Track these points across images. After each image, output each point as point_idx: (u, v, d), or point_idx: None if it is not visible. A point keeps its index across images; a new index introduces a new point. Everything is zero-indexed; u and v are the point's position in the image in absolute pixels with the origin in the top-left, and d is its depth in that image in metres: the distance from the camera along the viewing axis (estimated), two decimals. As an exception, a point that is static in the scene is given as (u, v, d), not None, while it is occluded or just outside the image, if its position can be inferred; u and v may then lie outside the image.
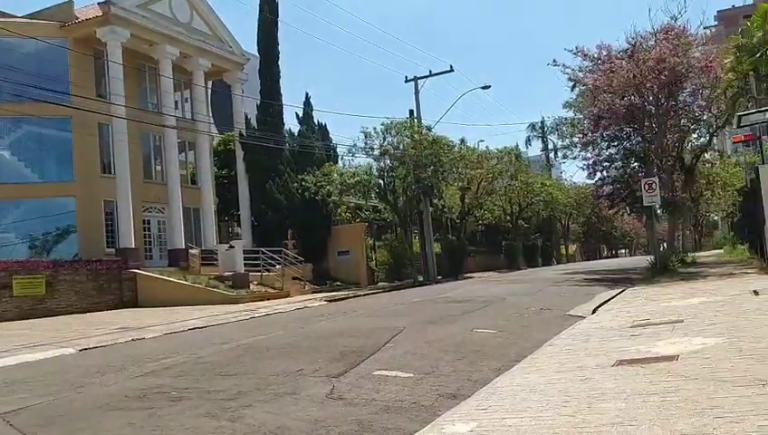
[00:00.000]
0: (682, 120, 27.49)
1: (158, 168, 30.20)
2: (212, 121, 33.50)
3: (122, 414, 5.79)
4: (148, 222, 28.94)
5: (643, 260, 30.37)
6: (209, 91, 33.30)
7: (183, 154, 31.70)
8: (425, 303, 17.14)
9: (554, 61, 27.46)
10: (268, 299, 23.87)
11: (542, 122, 62.99)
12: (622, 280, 21.40)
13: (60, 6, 27.46)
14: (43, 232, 26.01)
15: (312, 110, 35.65)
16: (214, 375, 7.60)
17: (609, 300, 14.11)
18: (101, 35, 26.10)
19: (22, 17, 27.60)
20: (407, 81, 37.75)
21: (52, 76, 23.85)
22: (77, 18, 26.98)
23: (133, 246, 25.70)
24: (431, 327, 11.42)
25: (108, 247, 26.23)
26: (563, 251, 66.96)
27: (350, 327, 12.14)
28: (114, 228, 26.36)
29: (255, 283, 26.20)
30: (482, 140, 66.86)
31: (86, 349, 11.90)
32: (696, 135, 29.70)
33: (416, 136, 32.53)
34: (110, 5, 25.98)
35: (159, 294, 23.49)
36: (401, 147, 32.56)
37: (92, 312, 21.75)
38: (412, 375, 7.13)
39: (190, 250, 27.67)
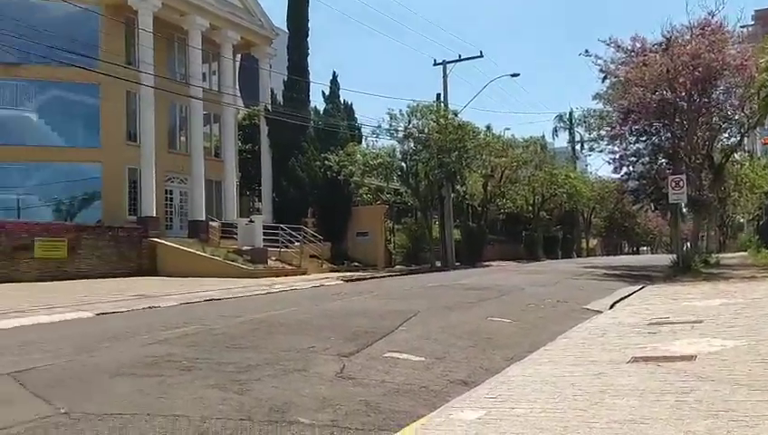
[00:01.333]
0: (713, 118, 26.94)
1: (183, 138, 30.34)
2: (239, 95, 33.51)
3: (133, 380, 5.80)
4: (171, 192, 29.13)
5: (665, 258, 29.99)
6: (237, 64, 33.30)
7: (208, 126, 31.78)
8: (441, 288, 17.05)
9: (586, 51, 26.99)
10: (285, 275, 23.95)
11: (570, 114, 62.30)
12: (642, 277, 21.14)
13: (93, -29, 27.47)
14: (66, 196, 26.28)
15: (338, 88, 35.57)
16: (225, 347, 7.60)
17: (628, 296, 13.93)
18: (133, 2, 26.11)
19: (55, -19, 27.59)
20: (435, 64, 37.46)
21: (81, 41, 23.89)
22: (109, -16, 27.00)
23: (154, 215, 25.89)
24: (446, 313, 11.35)
25: (130, 215, 26.44)
26: (584, 245, 66.41)
27: (365, 308, 12.11)
28: (137, 196, 26.55)
29: (273, 258, 26.29)
30: (508, 128, 65.94)
31: (103, 313, 12.03)
32: (726, 134, 29.11)
33: (441, 120, 32.28)
34: (143, -27, 25.99)
35: (178, 264, 23.66)
36: (426, 130, 32.34)
37: (112, 277, 21.97)
38: (424, 359, 7.08)
39: (210, 222, 27.82)
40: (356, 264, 31.07)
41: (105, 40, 26.13)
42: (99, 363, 6.61)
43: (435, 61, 37.59)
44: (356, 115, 36.42)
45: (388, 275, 25.90)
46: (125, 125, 27.34)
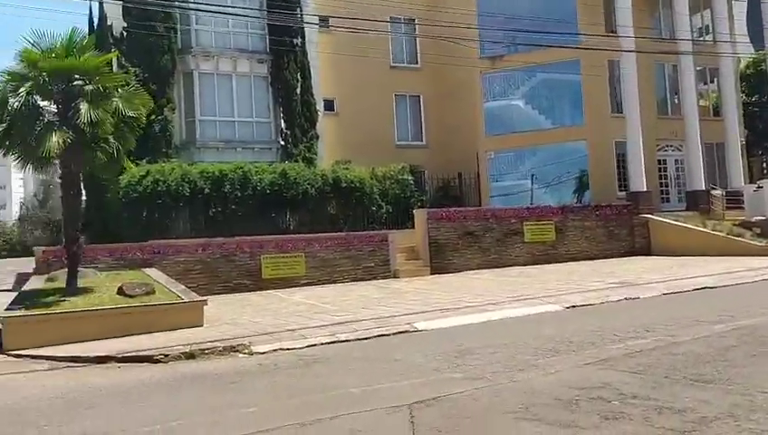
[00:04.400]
0: None
1: (675, 101, 27.37)
2: (737, 41, 28.58)
3: (534, 429, 4.57)
4: (664, 162, 26.58)
5: None
6: (745, 3, 28.33)
7: (703, 83, 28.04)
8: None
9: None
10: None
11: None
12: None
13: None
14: (556, 177, 26.37)
15: None
16: (680, 378, 5.70)
17: None
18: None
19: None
20: None
21: (559, 19, 23.63)
22: (582, -47, 26.00)
23: (645, 189, 23.84)
24: None
25: (620, 191, 25.04)
26: None
27: None
28: (625, 171, 24.97)
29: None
30: None
31: (572, 307, 11.21)
32: None
33: None
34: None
35: (674, 242, 21.28)
36: None
37: (601, 259, 21.02)
38: None
39: (712, 191, 24.33)
40: None
41: (582, 12, 25.32)
42: (513, 393, 5.55)
43: None
44: None
45: None
46: (608, 97, 26.00)
